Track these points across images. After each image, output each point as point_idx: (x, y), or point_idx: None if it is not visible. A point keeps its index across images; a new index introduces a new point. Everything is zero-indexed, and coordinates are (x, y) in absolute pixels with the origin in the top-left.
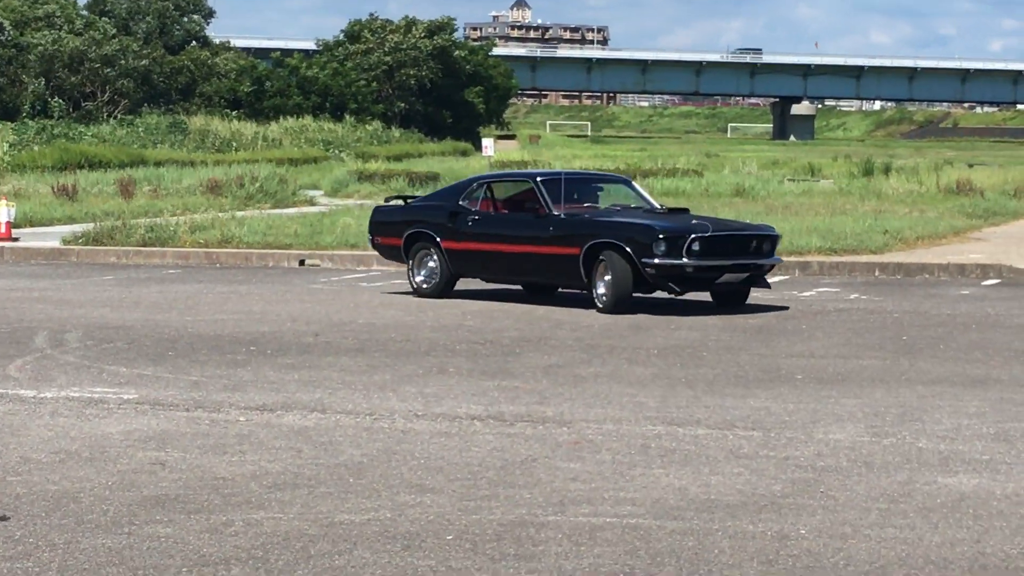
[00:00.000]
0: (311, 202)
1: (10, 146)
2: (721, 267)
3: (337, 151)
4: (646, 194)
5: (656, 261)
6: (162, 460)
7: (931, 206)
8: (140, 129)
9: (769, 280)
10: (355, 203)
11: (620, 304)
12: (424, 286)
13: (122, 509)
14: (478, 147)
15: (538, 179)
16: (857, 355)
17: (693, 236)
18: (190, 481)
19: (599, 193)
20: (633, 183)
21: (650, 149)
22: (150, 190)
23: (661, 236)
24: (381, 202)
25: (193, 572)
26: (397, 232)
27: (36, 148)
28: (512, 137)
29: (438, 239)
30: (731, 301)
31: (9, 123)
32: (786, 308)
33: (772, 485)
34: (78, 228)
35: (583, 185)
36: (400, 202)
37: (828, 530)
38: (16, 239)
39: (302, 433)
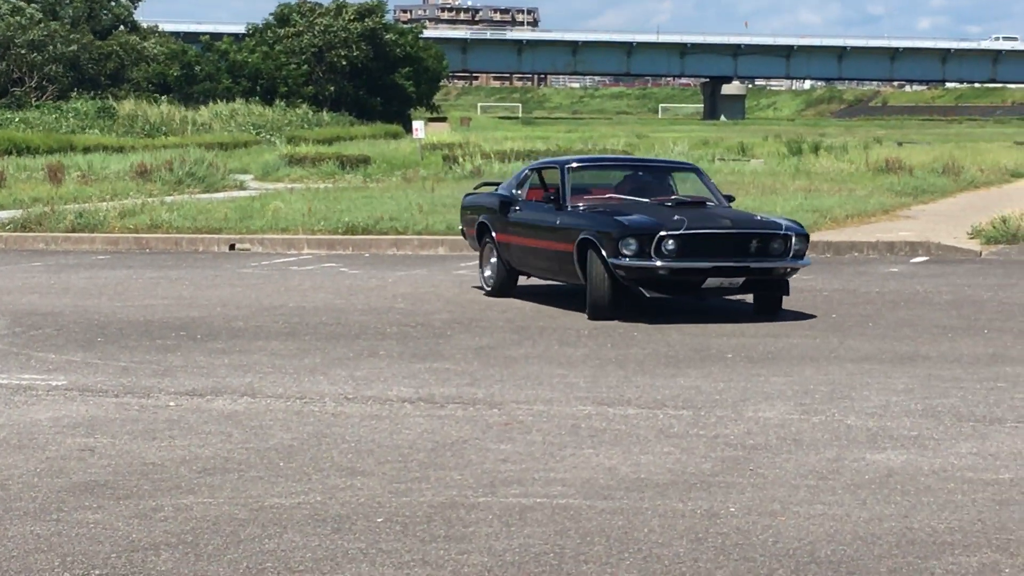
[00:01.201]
0: (241, 186)
1: None
2: (703, 270)
3: (268, 135)
4: (711, 184)
5: (624, 262)
6: (91, 446)
7: (860, 185)
8: (69, 115)
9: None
10: (285, 187)
11: (598, 311)
12: (488, 283)
13: (51, 496)
14: (409, 130)
15: (566, 166)
16: (787, 333)
17: (663, 234)
18: (119, 467)
19: (657, 182)
20: (702, 172)
21: (581, 130)
22: (79, 176)
23: (630, 234)
24: (312, 185)
25: (122, 558)
26: (471, 223)
27: None
28: (443, 120)
29: (492, 231)
30: (766, 308)
31: None
32: None
33: (702, 464)
34: (5, 215)
35: (644, 173)
36: (490, 188)
37: (757, 507)
38: None
39: (232, 417)
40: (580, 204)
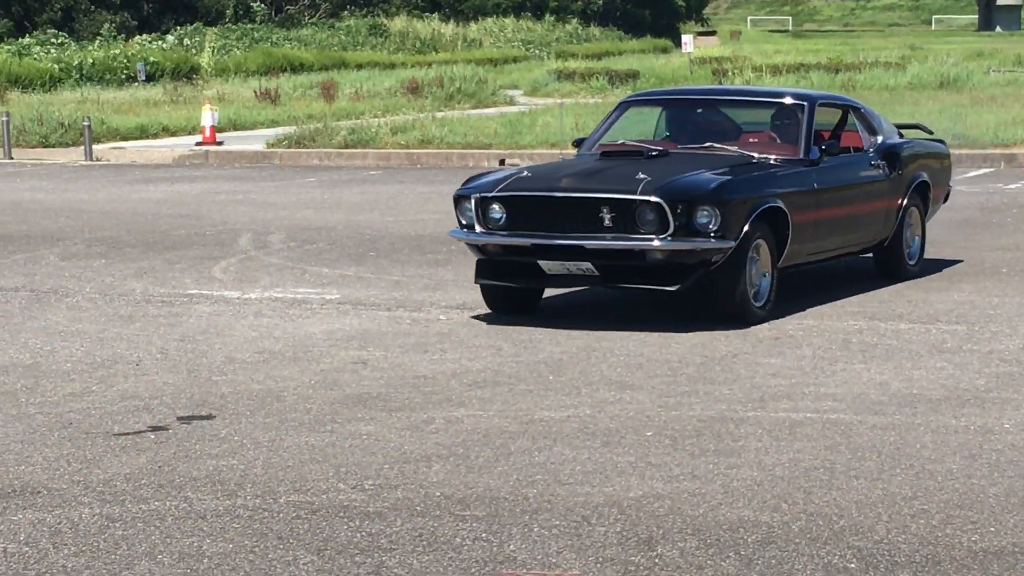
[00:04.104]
0: (511, 102)
1: (214, 51)
2: (528, 249)
3: (537, 50)
4: (803, 123)
5: (460, 234)
6: (364, 359)
7: None
8: (341, 32)
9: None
10: (554, 102)
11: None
12: None
13: (325, 407)
14: (678, 44)
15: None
16: None
17: (482, 195)
18: (391, 380)
19: (719, 122)
20: (802, 108)
21: (852, 43)
22: (351, 93)
23: (462, 197)
24: (581, 101)
25: (395, 469)
26: None
27: (239, 53)
28: (712, 33)
29: None
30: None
31: (213, 28)
32: (991, 201)
33: (975, 379)
34: (281, 131)
35: (705, 111)
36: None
37: None
38: (220, 143)
39: (502, 332)
40: (596, 153)
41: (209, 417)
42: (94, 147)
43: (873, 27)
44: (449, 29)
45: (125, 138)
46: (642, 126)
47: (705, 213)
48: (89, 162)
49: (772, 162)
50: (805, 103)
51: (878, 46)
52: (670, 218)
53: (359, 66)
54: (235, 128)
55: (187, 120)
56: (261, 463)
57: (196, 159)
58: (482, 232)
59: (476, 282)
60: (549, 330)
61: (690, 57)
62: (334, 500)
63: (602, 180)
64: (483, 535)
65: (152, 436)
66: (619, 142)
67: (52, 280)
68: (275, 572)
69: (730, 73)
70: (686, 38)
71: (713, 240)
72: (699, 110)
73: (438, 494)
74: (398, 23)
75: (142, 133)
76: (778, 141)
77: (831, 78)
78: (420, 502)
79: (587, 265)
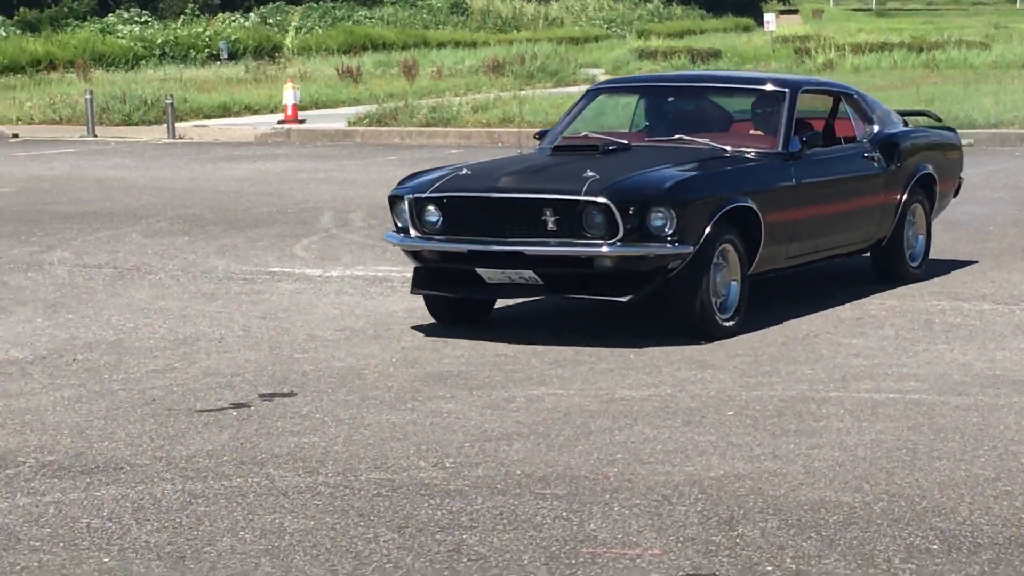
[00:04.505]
0: (592, 81)
1: (296, 30)
2: (464, 255)
3: (618, 29)
4: (786, 111)
5: (395, 239)
6: (444, 337)
7: None
8: (422, 11)
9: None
10: None
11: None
12: None
13: (405, 385)
14: (760, 23)
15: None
16: None
17: (416, 196)
18: (472, 358)
19: (692, 113)
20: (784, 95)
21: (936, 21)
22: (433, 71)
23: (396, 197)
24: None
25: (475, 447)
26: None
27: (321, 31)
28: (795, 12)
29: None
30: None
31: (296, 7)
32: None
33: None
34: (362, 109)
35: (677, 100)
36: None
37: None
38: (302, 121)
39: (583, 310)
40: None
41: (291, 394)
42: (176, 125)
43: (957, 6)
44: (531, 7)
45: (207, 116)
46: (614, 117)
47: (659, 215)
48: (172, 140)
49: (747, 156)
50: (786, 90)
51: (962, 25)
52: (619, 221)
53: (440, 44)
54: (316, 106)
55: (269, 98)
56: (342, 440)
57: (278, 137)
58: (417, 237)
59: (412, 292)
60: (638, 308)
61: (772, 36)
62: (415, 478)
63: (546, 179)
64: (564, 514)
65: (234, 413)
66: (581, 135)
67: (135, 257)
68: (356, 549)
69: (812, 52)
70: (768, 16)
71: (669, 245)
72: (670, 98)
73: (519, 472)
74: (479, 1)
75: (224, 111)
76: (757, 132)
77: (914, 57)
78: (501, 480)
79: (529, 273)
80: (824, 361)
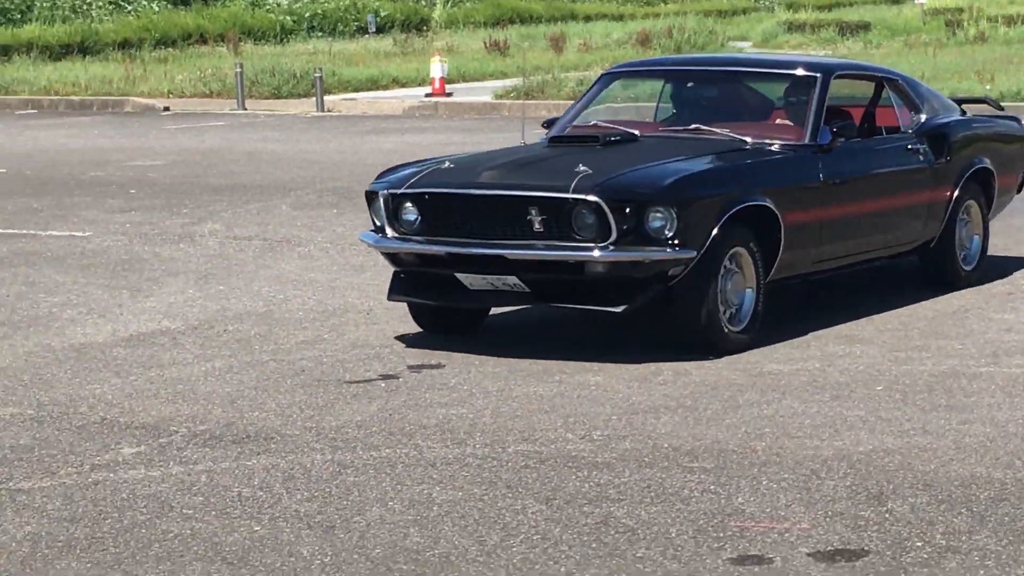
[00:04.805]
0: (740, 53)
1: (444, 3)
2: (443, 258)
3: (767, 1)
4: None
5: (369, 239)
6: (592, 310)
7: None
8: None
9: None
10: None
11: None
12: None
13: (552, 357)
14: None
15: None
16: None
17: (391, 192)
18: (619, 330)
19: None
20: (816, 81)
21: None
22: (580, 44)
23: (371, 194)
24: (812, 52)
25: (622, 420)
26: None
27: (469, 4)
28: None
29: None
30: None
31: None
32: None
33: None
34: (509, 83)
35: (697, 86)
36: None
37: None
38: (449, 94)
39: None
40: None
41: (439, 366)
42: (325, 98)
43: None
44: None
45: (356, 89)
46: (633, 103)
47: (658, 215)
48: (320, 113)
49: (770, 148)
50: (816, 75)
51: None
52: (611, 222)
53: (587, 17)
54: (463, 79)
55: (417, 72)
56: (490, 412)
57: (426, 110)
58: (394, 237)
59: (388, 298)
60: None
61: (923, 8)
62: (562, 450)
63: (532, 174)
64: (711, 487)
65: (383, 384)
66: (590, 124)
67: (284, 229)
68: (504, 520)
69: (964, 24)
70: None
71: (669, 249)
72: (690, 83)
73: (666, 445)
74: None
75: (372, 84)
76: (784, 122)
77: None
78: (648, 453)
79: (513, 280)
80: (975, 336)
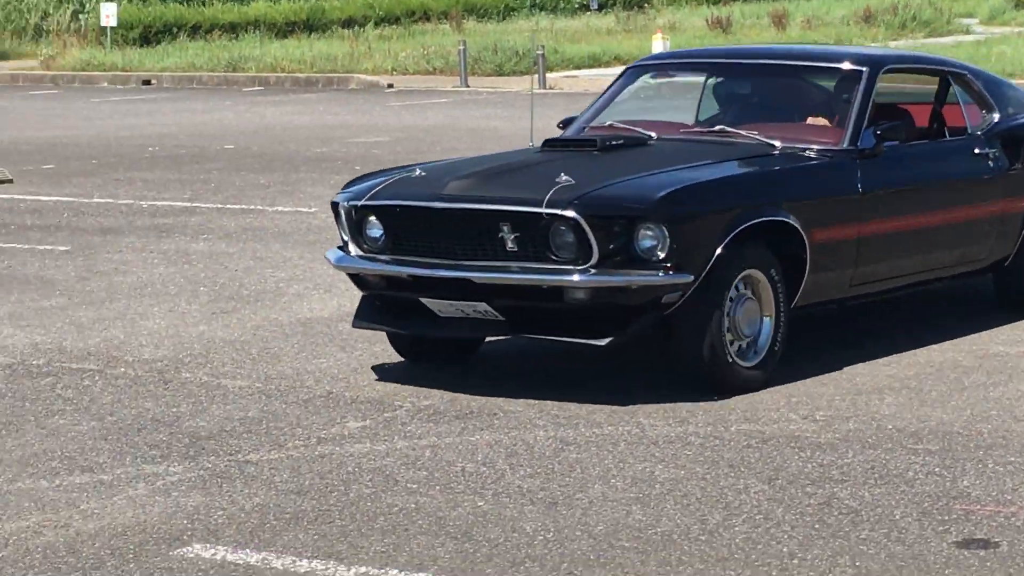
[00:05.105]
0: (966, 31)
1: None
2: (406, 281)
3: None
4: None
5: (332, 257)
6: None
7: None
8: None
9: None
10: (1012, 31)
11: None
12: None
13: None
14: None
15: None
16: None
17: (352, 204)
18: (842, 310)
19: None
20: (863, 74)
21: None
22: (803, 21)
23: (336, 205)
24: None
25: (846, 400)
26: None
27: None
28: None
29: None
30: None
31: None
32: None
33: None
34: None
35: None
36: None
37: None
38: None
39: None
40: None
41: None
42: (547, 75)
43: None
44: None
45: (577, 67)
46: (663, 101)
47: (648, 233)
48: (543, 90)
49: (801, 154)
50: (862, 69)
51: None
52: (592, 241)
53: None
54: None
55: (638, 49)
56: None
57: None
58: (358, 256)
59: (353, 325)
60: None
61: None
62: (785, 430)
63: (506, 185)
64: (936, 469)
65: (610, 362)
66: (605, 124)
67: None
68: (726, 499)
69: None
70: None
71: (661, 273)
72: (720, 78)
73: (890, 427)
74: None
75: (594, 62)
76: (823, 123)
77: None
78: (872, 434)
79: (483, 307)
80: None
